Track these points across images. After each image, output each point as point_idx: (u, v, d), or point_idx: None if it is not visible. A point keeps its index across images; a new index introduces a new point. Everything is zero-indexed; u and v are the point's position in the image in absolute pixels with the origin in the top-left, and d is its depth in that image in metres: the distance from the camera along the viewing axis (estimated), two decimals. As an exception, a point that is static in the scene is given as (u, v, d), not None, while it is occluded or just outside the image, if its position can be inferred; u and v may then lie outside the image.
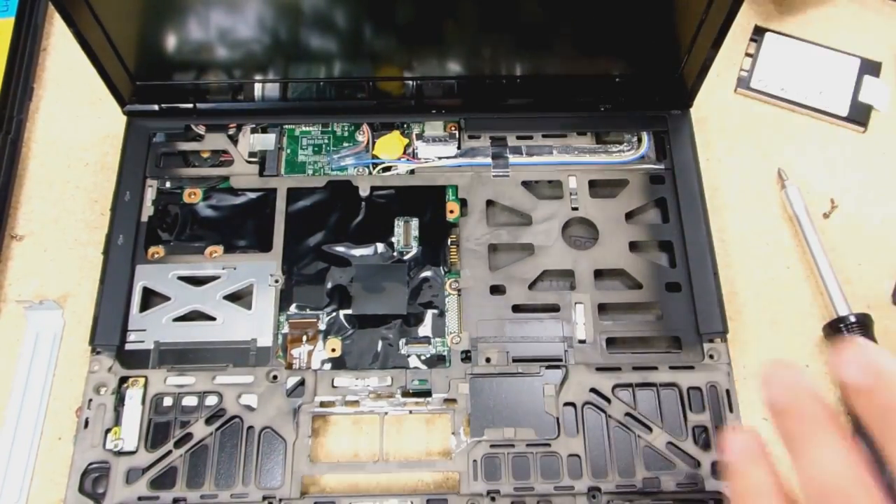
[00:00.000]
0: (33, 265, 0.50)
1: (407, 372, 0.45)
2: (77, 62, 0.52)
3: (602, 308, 0.47)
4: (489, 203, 0.50)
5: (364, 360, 0.45)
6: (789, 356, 0.49)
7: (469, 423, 0.44)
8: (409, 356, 0.46)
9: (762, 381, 0.24)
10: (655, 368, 0.45)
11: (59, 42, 0.58)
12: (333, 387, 0.44)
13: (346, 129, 0.52)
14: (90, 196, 0.52)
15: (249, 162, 0.51)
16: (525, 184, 0.50)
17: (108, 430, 0.43)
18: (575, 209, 0.49)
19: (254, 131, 0.52)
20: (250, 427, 0.43)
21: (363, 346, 0.46)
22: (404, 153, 0.51)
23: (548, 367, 0.45)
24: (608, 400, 0.44)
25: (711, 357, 0.45)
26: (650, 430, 0.43)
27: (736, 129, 0.56)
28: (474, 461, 0.43)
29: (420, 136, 0.51)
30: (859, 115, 0.55)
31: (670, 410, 0.44)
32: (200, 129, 0.51)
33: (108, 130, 0.54)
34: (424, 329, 0.46)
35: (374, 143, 0.51)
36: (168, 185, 0.50)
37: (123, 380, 0.44)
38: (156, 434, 0.43)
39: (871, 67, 0.56)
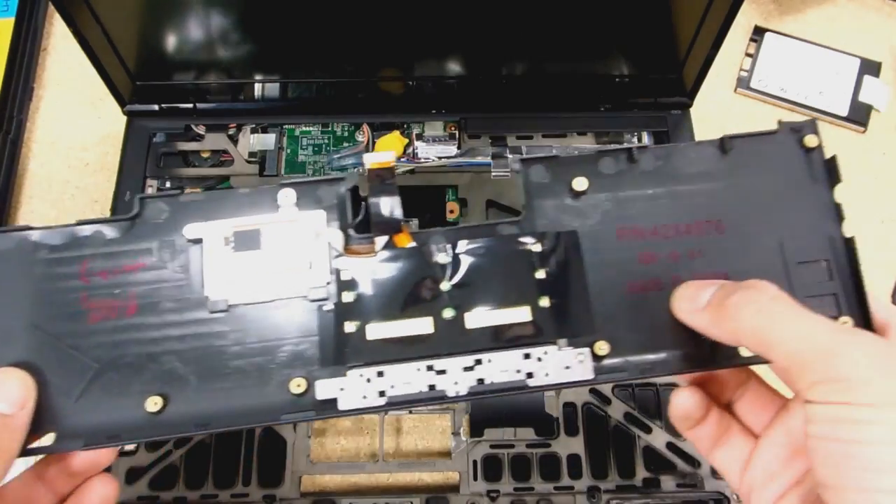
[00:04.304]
0: (33, 265, 0.50)
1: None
2: (77, 62, 0.52)
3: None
4: (489, 203, 0.50)
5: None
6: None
7: (469, 423, 0.44)
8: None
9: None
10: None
11: (59, 42, 0.58)
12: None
13: (346, 129, 0.52)
14: (90, 196, 0.52)
15: (249, 162, 0.51)
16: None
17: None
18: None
19: (254, 131, 0.52)
20: (251, 427, 0.43)
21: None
22: (404, 153, 0.51)
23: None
24: (608, 400, 0.44)
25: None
26: (650, 430, 0.43)
27: (736, 129, 0.55)
28: (474, 461, 0.43)
29: (420, 136, 0.51)
30: (859, 115, 0.55)
31: (670, 410, 0.44)
32: (200, 129, 0.51)
33: (108, 130, 0.54)
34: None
35: (374, 143, 0.51)
36: (168, 185, 0.50)
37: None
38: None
39: (871, 67, 0.56)
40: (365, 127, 0.51)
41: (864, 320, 0.28)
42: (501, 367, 0.27)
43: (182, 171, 0.50)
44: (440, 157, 0.51)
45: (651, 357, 0.28)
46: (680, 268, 0.28)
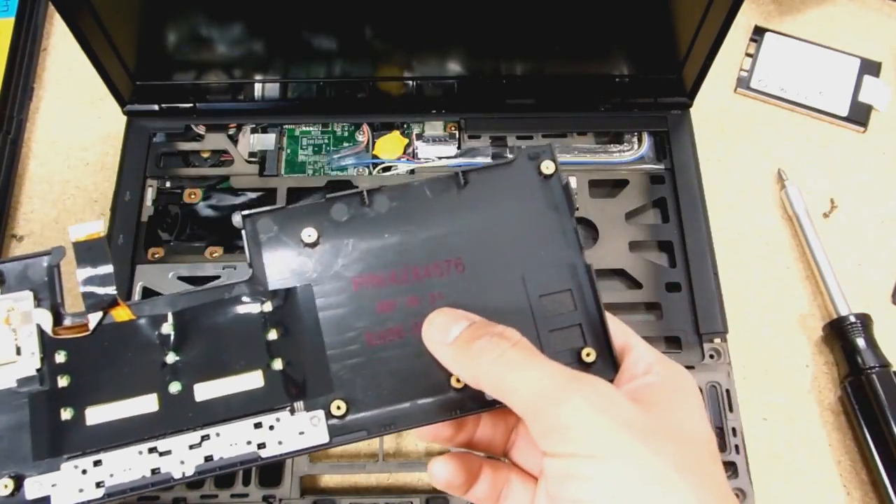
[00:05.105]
0: (33, 265, 0.50)
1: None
2: (77, 62, 0.52)
3: (602, 308, 0.47)
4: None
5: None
6: (789, 356, 0.49)
7: (469, 423, 0.43)
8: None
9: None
10: (655, 368, 0.45)
11: (59, 42, 0.58)
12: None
13: (346, 129, 0.52)
14: (90, 196, 0.52)
15: (249, 162, 0.51)
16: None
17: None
18: (575, 209, 0.49)
19: (254, 131, 0.52)
20: None
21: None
22: (404, 153, 0.51)
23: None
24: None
25: (711, 357, 0.45)
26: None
27: (736, 129, 0.56)
28: (474, 461, 0.43)
29: (420, 136, 0.51)
30: (859, 115, 0.55)
31: (670, 410, 0.44)
32: (200, 129, 0.51)
33: (108, 130, 0.54)
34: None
35: (374, 143, 0.51)
36: (168, 185, 0.50)
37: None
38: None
39: (871, 67, 0.56)
40: (365, 127, 0.51)
41: (608, 348, 0.27)
42: (231, 441, 0.26)
43: (182, 171, 0.50)
44: (440, 157, 0.51)
45: (393, 410, 0.27)
46: (420, 314, 0.27)
